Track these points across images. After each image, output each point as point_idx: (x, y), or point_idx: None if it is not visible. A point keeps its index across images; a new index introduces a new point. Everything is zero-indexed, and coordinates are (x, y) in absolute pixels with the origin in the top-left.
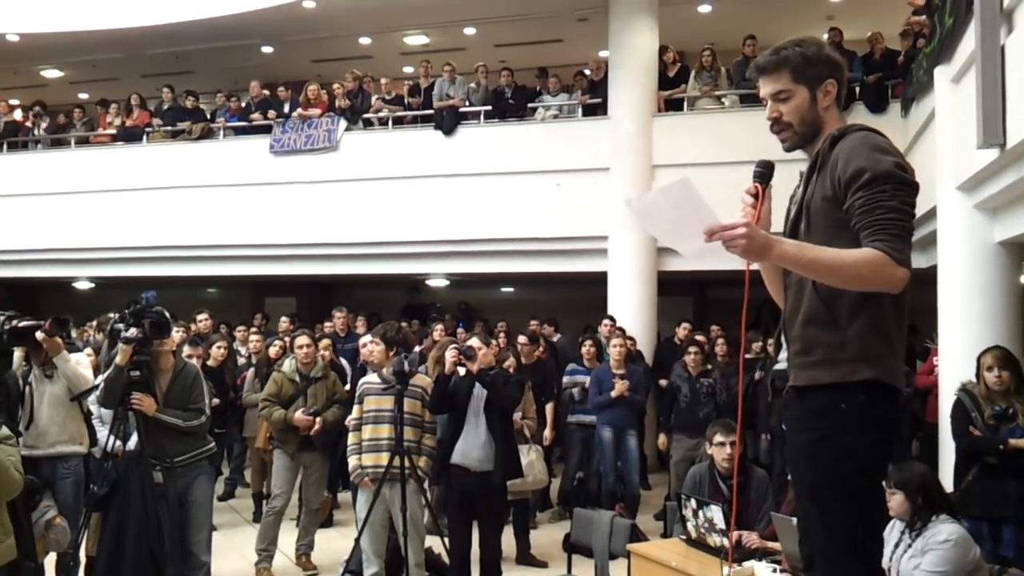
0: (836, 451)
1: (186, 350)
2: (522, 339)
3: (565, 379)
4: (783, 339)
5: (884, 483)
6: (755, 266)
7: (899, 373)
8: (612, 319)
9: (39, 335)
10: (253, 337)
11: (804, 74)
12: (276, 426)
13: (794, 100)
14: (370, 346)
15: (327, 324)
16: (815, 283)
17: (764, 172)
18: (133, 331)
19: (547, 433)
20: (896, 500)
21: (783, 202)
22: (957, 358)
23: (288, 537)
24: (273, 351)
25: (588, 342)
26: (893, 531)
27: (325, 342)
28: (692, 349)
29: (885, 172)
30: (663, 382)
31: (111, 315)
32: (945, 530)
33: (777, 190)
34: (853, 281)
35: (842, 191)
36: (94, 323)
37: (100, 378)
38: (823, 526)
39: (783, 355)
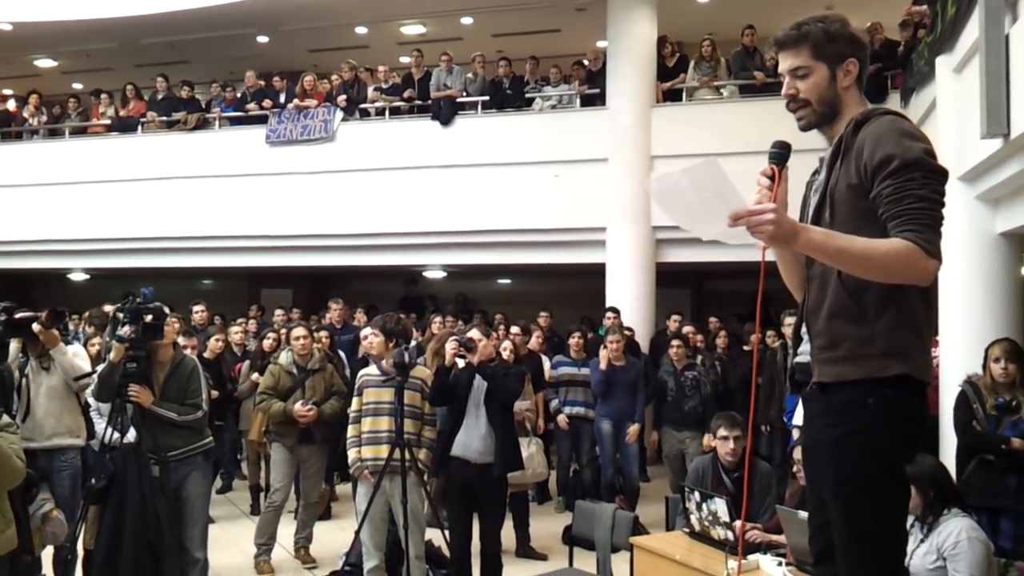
0: (862, 447)
1: (182, 340)
2: (515, 330)
3: (552, 372)
4: (803, 332)
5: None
6: (770, 257)
7: (928, 368)
8: (616, 311)
9: (36, 327)
10: (217, 333)
11: (825, 51)
12: (275, 419)
13: (813, 77)
14: (371, 337)
15: (326, 316)
16: (841, 275)
17: (781, 153)
18: (127, 329)
19: (540, 422)
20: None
21: (795, 187)
22: (958, 349)
23: (287, 530)
24: (267, 343)
25: (576, 333)
26: None
27: (323, 333)
28: (675, 342)
29: (915, 159)
30: None
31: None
32: (959, 526)
33: (790, 176)
34: (882, 273)
35: (868, 179)
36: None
37: (102, 367)
38: (846, 523)
39: (804, 347)
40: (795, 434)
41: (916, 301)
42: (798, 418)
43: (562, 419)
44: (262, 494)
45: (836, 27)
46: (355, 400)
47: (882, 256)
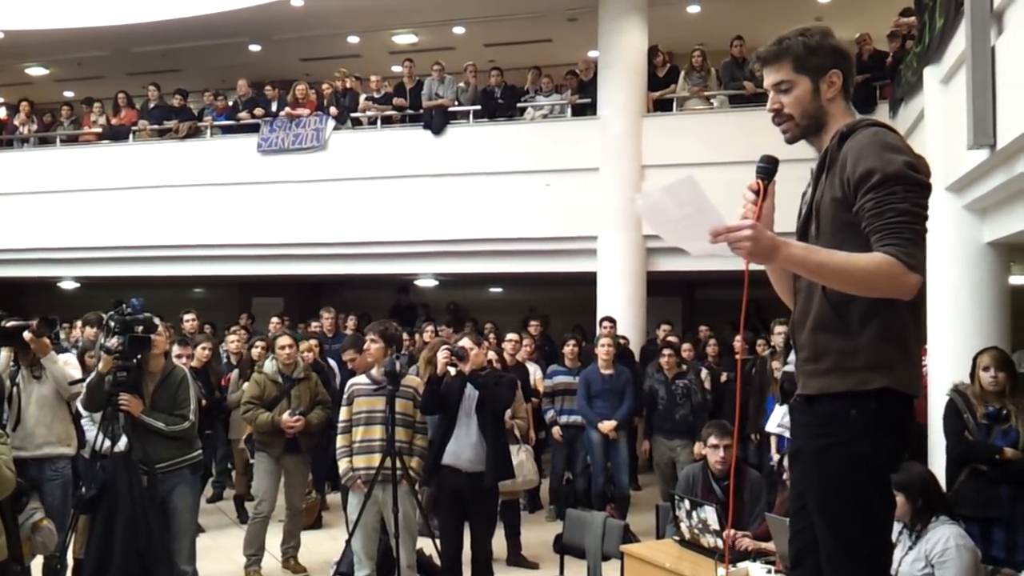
0: (845, 459)
1: (176, 349)
2: (512, 336)
3: (546, 382)
4: (792, 343)
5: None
6: (759, 267)
7: (914, 381)
8: (613, 321)
9: (27, 335)
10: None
11: (806, 64)
12: (262, 429)
13: (795, 91)
14: (368, 344)
15: (314, 324)
16: (825, 288)
17: (767, 167)
18: (114, 341)
19: (531, 433)
20: (896, 502)
21: (786, 200)
22: (946, 358)
23: (277, 539)
24: (255, 352)
25: (571, 342)
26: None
27: (312, 342)
28: (666, 351)
29: (896, 173)
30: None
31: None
32: (947, 533)
33: (780, 187)
34: (862, 287)
35: (851, 192)
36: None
37: (91, 375)
38: (831, 533)
39: (792, 357)
40: (773, 441)
41: (903, 314)
42: (772, 424)
43: (556, 431)
44: (247, 503)
45: (816, 39)
46: (344, 410)
47: (862, 271)
